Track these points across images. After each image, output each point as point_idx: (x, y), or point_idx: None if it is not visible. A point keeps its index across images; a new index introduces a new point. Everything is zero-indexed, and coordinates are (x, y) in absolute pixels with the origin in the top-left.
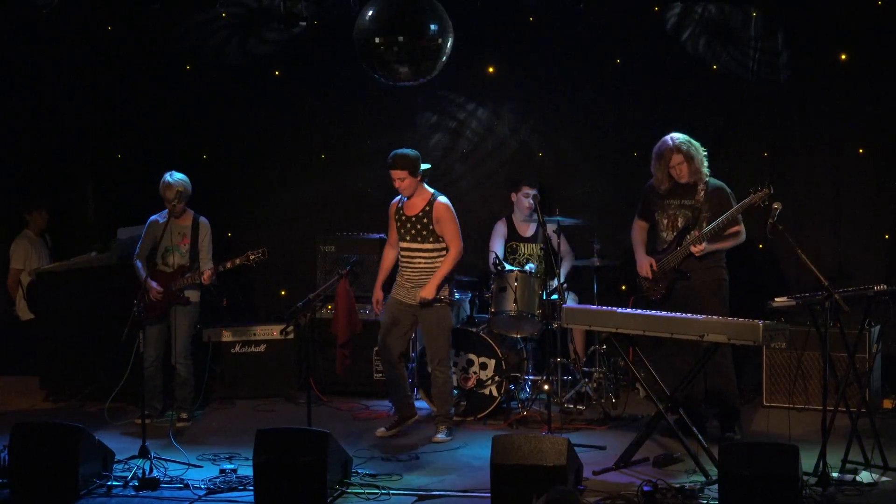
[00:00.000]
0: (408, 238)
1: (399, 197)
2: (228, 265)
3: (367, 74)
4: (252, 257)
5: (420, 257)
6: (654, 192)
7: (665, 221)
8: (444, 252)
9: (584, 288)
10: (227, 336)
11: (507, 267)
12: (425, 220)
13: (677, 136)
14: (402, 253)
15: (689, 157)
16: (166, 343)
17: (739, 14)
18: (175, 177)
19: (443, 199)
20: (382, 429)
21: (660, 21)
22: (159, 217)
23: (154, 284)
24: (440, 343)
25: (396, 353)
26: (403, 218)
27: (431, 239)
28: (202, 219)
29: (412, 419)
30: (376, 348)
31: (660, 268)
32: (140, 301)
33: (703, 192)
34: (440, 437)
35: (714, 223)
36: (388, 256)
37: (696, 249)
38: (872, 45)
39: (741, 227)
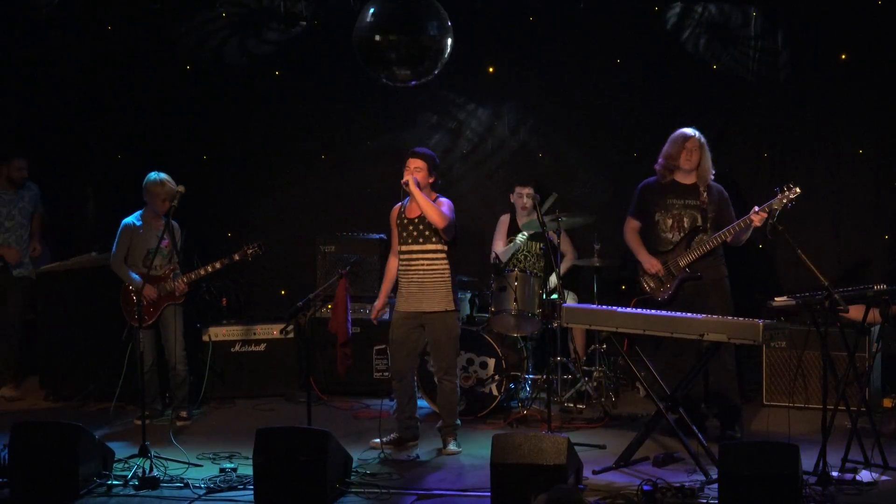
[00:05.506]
0: (409, 241)
1: (401, 203)
2: (226, 261)
3: (368, 74)
4: (249, 252)
5: (422, 259)
6: (652, 192)
7: (669, 222)
8: (444, 253)
9: (584, 288)
10: (227, 335)
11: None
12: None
13: (696, 131)
14: (403, 257)
15: (704, 151)
16: (160, 344)
17: (739, 14)
18: (164, 176)
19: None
20: (377, 440)
21: (660, 21)
22: (134, 220)
23: (149, 287)
24: (447, 352)
25: (407, 371)
26: (405, 221)
27: (434, 239)
28: (172, 220)
29: (411, 443)
30: (377, 348)
31: (666, 268)
32: (139, 306)
33: (705, 194)
34: (452, 448)
35: (741, 220)
36: (392, 265)
37: (758, 217)
38: (872, 45)
39: None
